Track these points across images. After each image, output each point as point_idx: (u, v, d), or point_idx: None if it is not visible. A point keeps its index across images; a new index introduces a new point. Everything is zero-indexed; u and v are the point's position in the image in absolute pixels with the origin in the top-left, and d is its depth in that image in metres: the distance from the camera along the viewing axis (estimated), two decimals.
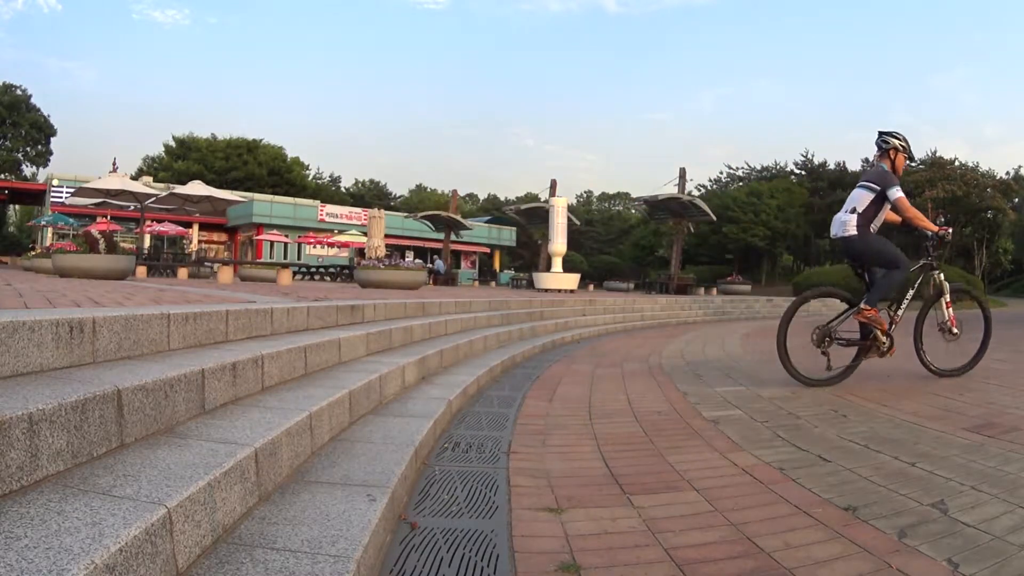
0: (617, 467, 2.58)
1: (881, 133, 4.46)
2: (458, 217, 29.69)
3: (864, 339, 4.37)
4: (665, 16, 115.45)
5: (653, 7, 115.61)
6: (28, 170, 43.70)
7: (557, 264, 18.93)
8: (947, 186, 34.12)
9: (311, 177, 52.59)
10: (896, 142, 4.38)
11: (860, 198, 4.27)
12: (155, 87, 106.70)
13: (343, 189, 58.95)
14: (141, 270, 12.98)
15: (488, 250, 40.39)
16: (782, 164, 47.49)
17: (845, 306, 4.40)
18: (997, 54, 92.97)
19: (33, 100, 42.74)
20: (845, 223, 4.27)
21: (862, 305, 4.25)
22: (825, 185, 43.70)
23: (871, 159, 4.43)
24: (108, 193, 17.34)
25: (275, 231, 29.03)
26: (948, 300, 4.60)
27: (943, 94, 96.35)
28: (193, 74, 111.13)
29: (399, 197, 63.69)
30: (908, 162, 4.47)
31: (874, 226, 4.27)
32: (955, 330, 4.56)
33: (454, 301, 7.16)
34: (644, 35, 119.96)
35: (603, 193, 77.99)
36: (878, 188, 4.22)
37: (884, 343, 4.33)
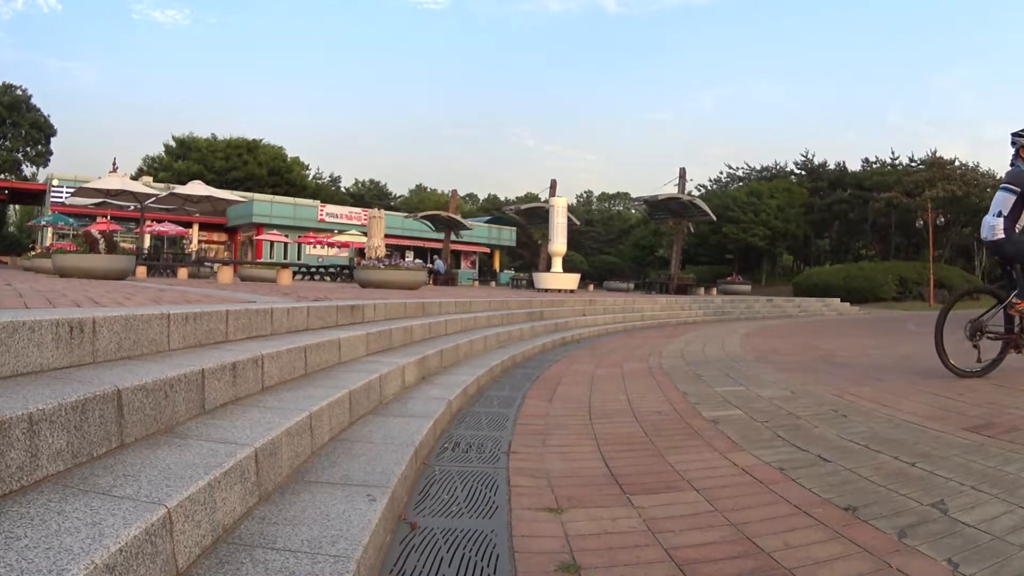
0: (617, 467, 2.58)
1: (1012, 134, 4.54)
2: (458, 217, 29.69)
3: (1009, 333, 4.54)
4: (665, 16, 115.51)
5: (653, 7, 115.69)
6: (28, 170, 43.79)
7: (557, 264, 18.93)
8: (947, 186, 34.09)
9: (311, 177, 52.60)
10: None
11: (1004, 201, 4.39)
12: (155, 87, 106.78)
13: (343, 189, 58.93)
14: (141, 270, 12.98)
15: (488, 250, 40.39)
16: (782, 164, 47.50)
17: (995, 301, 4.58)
18: (997, 54, 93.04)
19: (33, 100, 42.86)
20: (994, 227, 4.40)
21: (1014, 299, 4.39)
22: (825, 185, 43.66)
23: (1011, 161, 4.51)
24: (108, 193, 17.34)
25: (275, 231, 29.03)
26: None
27: (943, 94, 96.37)
28: (193, 74, 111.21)
29: (399, 197, 63.66)
30: None
31: (1020, 225, 4.39)
32: None
33: (454, 301, 7.16)
34: (644, 35, 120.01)
35: (603, 193, 78.04)
36: (1018, 189, 4.34)
37: None
